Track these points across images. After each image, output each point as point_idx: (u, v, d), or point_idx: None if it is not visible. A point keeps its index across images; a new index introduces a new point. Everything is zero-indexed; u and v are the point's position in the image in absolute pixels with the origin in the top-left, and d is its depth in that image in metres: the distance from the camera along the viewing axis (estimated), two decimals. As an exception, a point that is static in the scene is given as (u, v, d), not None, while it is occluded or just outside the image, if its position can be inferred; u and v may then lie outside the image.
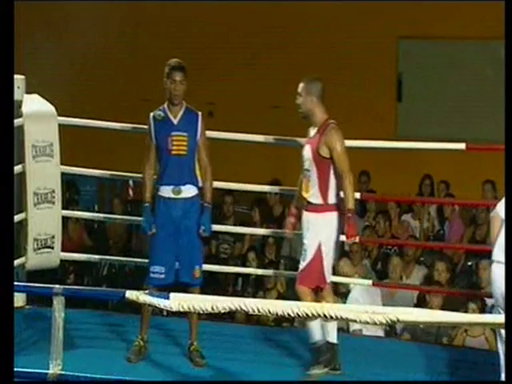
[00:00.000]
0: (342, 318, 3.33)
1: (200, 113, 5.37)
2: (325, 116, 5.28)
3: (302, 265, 5.20)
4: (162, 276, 5.29)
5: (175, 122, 5.32)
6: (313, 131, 5.28)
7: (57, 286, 3.61)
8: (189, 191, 5.32)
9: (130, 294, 3.48)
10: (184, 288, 5.26)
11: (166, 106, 5.37)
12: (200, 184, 5.36)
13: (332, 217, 5.19)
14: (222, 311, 3.48)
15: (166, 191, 5.31)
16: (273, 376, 5.12)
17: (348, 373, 5.23)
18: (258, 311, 3.39)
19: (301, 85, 5.28)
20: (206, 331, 5.55)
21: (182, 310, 3.44)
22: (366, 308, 3.38)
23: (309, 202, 5.20)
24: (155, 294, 3.60)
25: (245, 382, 4.81)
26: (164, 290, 5.04)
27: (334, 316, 3.32)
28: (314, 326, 5.16)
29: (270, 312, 3.41)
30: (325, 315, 3.32)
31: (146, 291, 3.50)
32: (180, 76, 5.27)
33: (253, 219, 8.63)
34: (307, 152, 5.23)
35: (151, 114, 5.38)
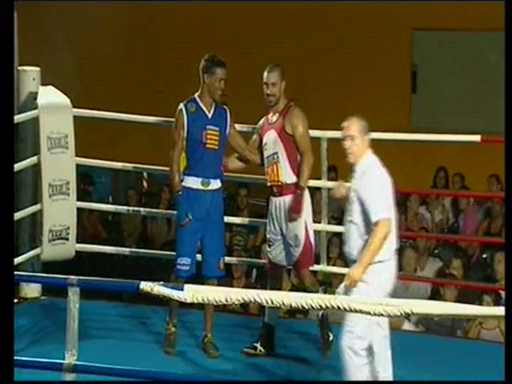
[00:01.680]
0: (355, 309, 3.33)
1: (228, 108, 5.40)
2: (285, 100, 5.32)
3: (298, 250, 5.26)
4: (188, 268, 5.31)
5: (209, 115, 5.32)
6: (273, 117, 5.28)
7: (72, 276, 3.63)
8: (216, 184, 5.34)
9: (145, 286, 3.49)
10: (202, 280, 5.27)
11: (197, 98, 5.33)
12: (224, 178, 5.39)
13: (306, 193, 5.28)
14: (236, 303, 3.49)
15: (195, 183, 5.32)
16: (286, 369, 5.13)
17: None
18: (272, 303, 3.40)
19: (273, 74, 5.26)
20: (220, 323, 5.57)
21: (196, 301, 3.45)
22: (380, 300, 3.38)
23: (285, 184, 5.23)
24: (169, 285, 3.60)
25: (245, 382, 4.81)
26: (188, 281, 5.12)
27: (347, 308, 3.33)
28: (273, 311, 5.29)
29: (283, 304, 3.42)
30: (338, 307, 3.33)
31: (161, 282, 3.50)
32: (224, 73, 5.28)
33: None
34: (270, 136, 5.26)
35: (182, 106, 5.32)
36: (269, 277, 5.50)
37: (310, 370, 5.19)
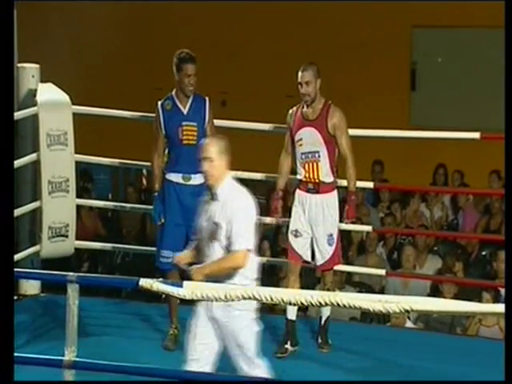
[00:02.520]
0: (355, 306, 3.33)
1: (207, 98, 5.36)
2: (322, 98, 5.31)
3: (331, 248, 5.27)
4: (170, 260, 5.31)
5: (185, 111, 5.32)
6: (311, 113, 5.26)
7: (71, 273, 3.63)
8: (199, 179, 5.33)
9: (144, 282, 3.49)
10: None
11: (174, 94, 5.35)
12: None
13: (336, 193, 5.33)
14: (236, 300, 3.49)
15: (176, 177, 5.33)
16: (293, 367, 5.14)
17: (358, 360, 5.25)
18: (272, 300, 3.39)
19: (307, 72, 5.25)
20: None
21: (195, 298, 3.45)
22: (379, 297, 3.38)
23: (322, 183, 5.23)
24: (168, 282, 3.61)
25: (245, 382, 4.79)
26: (173, 274, 5.11)
27: (347, 304, 3.33)
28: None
29: (283, 301, 3.42)
30: (338, 304, 3.33)
31: (160, 279, 3.50)
32: (192, 69, 5.26)
33: (267, 209, 8.61)
34: (309, 133, 5.24)
35: (159, 103, 5.37)
36: (289, 270, 5.40)
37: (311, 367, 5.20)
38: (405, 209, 8.45)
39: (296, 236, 5.34)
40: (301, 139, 5.28)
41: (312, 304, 3.37)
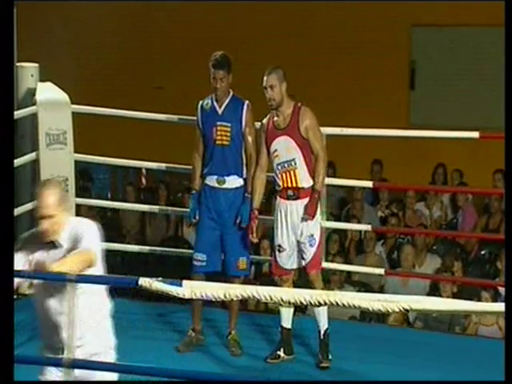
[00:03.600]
0: (354, 306, 3.33)
1: (247, 102, 5.34)
2: (291, 101, 5.21)
3: (313, 249, 5.20)
4: (204, 264, 5.31)
5: (220, 111, 5.31)
6: (281, 121, 5.17)
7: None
8: (233, 182, 5.31)
9: (143, 281, 3.48)
10: (226, 278, 5.27)
11: (213, 94, 5.34)
12: (245, 175, 5.34)
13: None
14: (235, 299, 3.49)
15: (211, 180, 5.33)
16: (292, 367, 5.14)
17: (358, 359, 5.25)
18: (271, 299, 3.39)
19: (271, 76, 5.15)
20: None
21: (194, 297, 3.45)
22: (379, 296, 3.38)
23: (301, 189, 5.15)
24: (168, 281, 3.61)
25: (244, 382, 4.80)
26: (209, 278, 5.12)
27: (346, 304, 3.33)
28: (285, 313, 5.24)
29: (282, 300, 3.42)
30: (337, 303, 3.33)
31: (159, 278, 3.50)
32: (221, 74, 5.24)
33: (268, 208, 8.61)
34: (282, 142, 5.14)
35: (199, 103, 5.36)
36: (281, 282, 5.32)
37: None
38: (404, 208, 8.45)
39: (280, 251, 5.26)
40: (276, 150, 5.18)
41: (311, 303, 3.37)
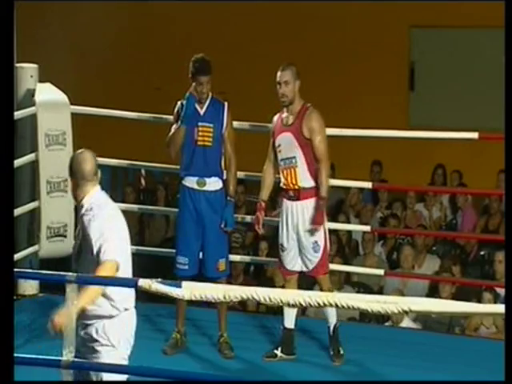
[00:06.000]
0: (353, 307, 3.33)
1: (226, 103, 5.34)
2: (301, 100, 5.22)
3: (318, 255, 5.17)
4: (186, 267, 5.30)
5: (201, 112, 5.30)
6: (288, 118, 5.19)
7: (70, 273, 3.63)
8: (214, 184, 5.30)
9: (143, 283, 3.48)
10: (209, 280, 5.23)
11: (194, 96, 5.30)
12: (225, 177, 5.34)
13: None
14: (235, 300, 3.49)
15: (191, 182, 5.30)
16: (291, 367, 5.13)
17: (356, 360, 5.25)
18: (270, 300, 3.39)
19: (286, 72, 5.16)
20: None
21: (194, 298, 3.45)
22: (378, 297, 3.38)
23: (302, 189, 5.13)
24: (167, 282, 3.61)
25: (243, 382, 4.80)
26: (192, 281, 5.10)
27: (345, 305, 3.32)
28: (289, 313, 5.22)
29: (281, 301, 3.42)
30: (336, 304, 3.32)
31: (159, 279, 3.50)
32: (205, 78, 5.24)
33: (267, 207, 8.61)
34: (286, 138, 5.16)
35: (179, 103, 5.34)
36: (286, 281, 5.33)
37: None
38: (403, 209, 8.45)
39: (283, 251, 5.26)
40: (279, 145, 5.19)
41: (310, 305, 3.37)
